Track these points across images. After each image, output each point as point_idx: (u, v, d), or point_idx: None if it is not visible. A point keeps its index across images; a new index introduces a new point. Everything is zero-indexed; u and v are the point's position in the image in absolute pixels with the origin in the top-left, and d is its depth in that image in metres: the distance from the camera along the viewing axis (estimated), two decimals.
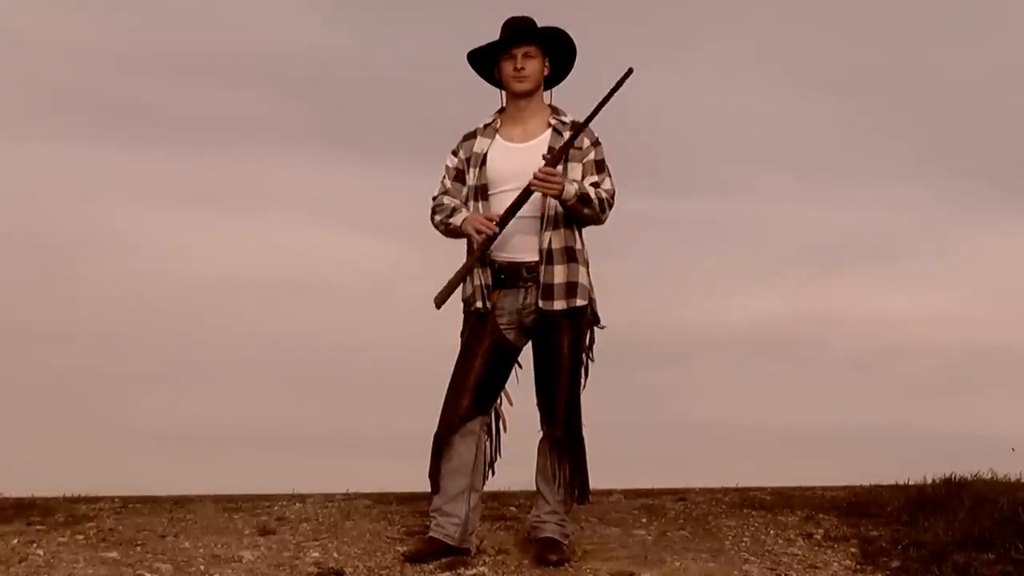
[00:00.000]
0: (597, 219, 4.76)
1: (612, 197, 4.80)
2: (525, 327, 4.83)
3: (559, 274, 4.74)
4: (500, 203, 4.80)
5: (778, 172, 9.35)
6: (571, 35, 4.88)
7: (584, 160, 4.80)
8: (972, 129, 9.20)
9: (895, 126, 9.29)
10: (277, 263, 9.04)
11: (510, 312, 4.82)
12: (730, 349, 8.98)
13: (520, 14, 4.85)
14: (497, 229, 4.69)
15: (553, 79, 4.94)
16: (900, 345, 9.26)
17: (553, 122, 4.83)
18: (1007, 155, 9.10)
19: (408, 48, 8.71)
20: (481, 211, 4.82)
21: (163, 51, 8.89)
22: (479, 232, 4.73)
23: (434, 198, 4.90)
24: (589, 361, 4.91)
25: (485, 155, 4.88)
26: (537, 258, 4.76)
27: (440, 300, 4.75)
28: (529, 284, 4.79)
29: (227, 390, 8.28)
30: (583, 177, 4.75)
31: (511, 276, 4.81)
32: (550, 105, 4.96)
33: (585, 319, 4.81)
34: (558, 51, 4.87)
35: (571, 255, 4.77)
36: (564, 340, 4.78)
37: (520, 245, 4.81)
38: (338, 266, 9.16)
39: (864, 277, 9.42)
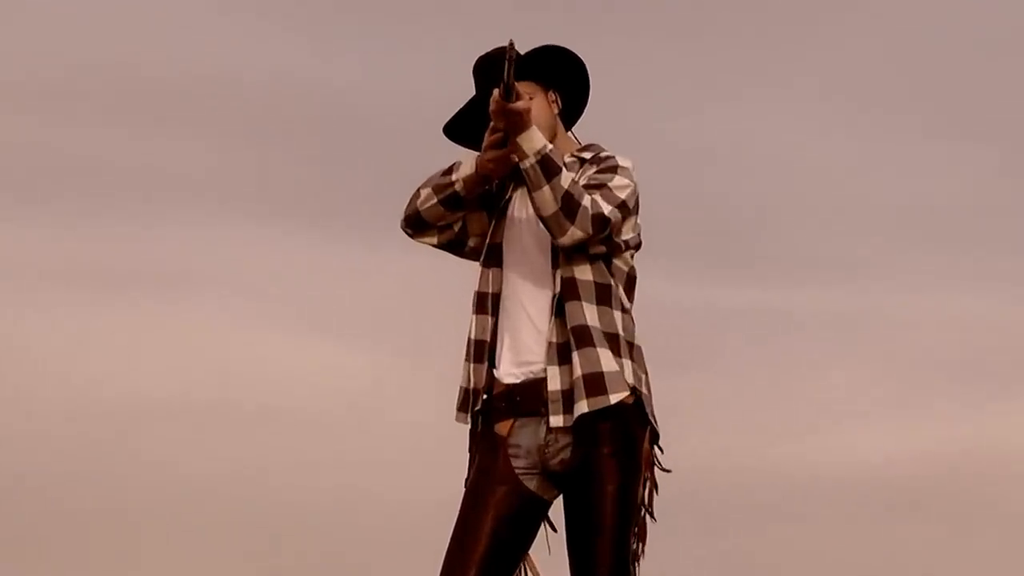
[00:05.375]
0: (559, 219, 4.14)
1: (596, 209, 4.22)
2: (552, 471, 4.14)
3: (575, 368, 4.17)
4: (516, 266, 4.35)
5: (926, 247, 8.62)
6: (579, 54, 4.34)
7: (585, 175, 4.34)
8: None
9: None
10: (218, 377, 8.36)
11: (529, 450, 4.15)
12: (857, 502, 8.06)
13: (497, 46, 4.27)
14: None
15: (571, 112, 4.46)
16: None
17: (569, 159, 4.32)
18: None
19: (406, 79, 8.28)
20: (491, 280, 4.32)
21: (61, 81, 8.23)
22: (491, 158, 4.24)
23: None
24: (647, 518, 4.23)
25: (507, 203, 4.35)
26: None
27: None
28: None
29: (140, 548, 7.65)
30: None
31: (528, 399, 4.17)
32: (587, 145, 4.44)
33: (639, 440, 4.17)
34: (561, 75, 4.38)
35: (587, 338, 4.15)
36: (607, 488, 4.09)
37: (536, 353, 4.20)
38: (301, 382, 8.41)
39: None
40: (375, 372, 8.30)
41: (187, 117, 8.37)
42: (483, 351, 4.22)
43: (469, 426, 4.26)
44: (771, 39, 8.46)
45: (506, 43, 4.01)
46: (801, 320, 8.25)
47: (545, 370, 4.15)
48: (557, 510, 4.26)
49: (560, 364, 4.11)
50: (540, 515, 4.18)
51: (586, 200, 4.08)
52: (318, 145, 8.38)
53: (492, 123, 4.14)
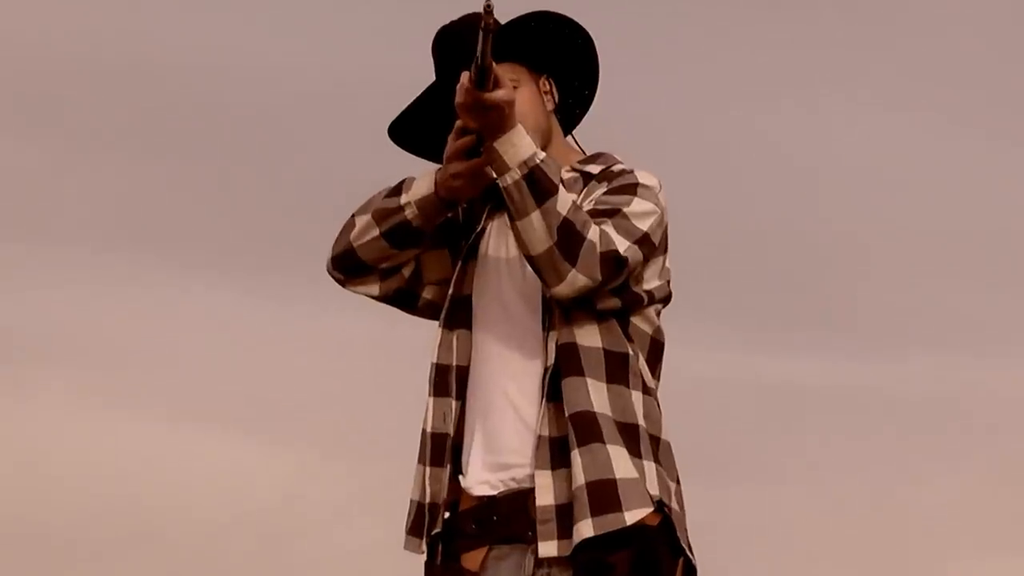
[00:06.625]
0: (554, 260, 4.10)
1: (607, 246, 4.18)
2: None
3: (576, 474, 4.14)
4: (491, 328, 4.34)
5: None
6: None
7: (591, 197, 4.36)
8: None
9: None
10: (73, 485, 8.35)
11: None
12: None
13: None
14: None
15: (572, 108, 4.52)
16: None
17: (569, 174, 4.34)
18: None
19: (338, 56, 8.37)
20: (456, 348, 4.32)
21: None
22: (457, 172, 4.20)
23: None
24: None
25: (479, 237, 4.35)
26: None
27: None
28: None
29: None
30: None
31: (509, 519, 4.16)
32: (594, 154, 4.46)
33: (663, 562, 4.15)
34: (558, 55, 4.41)
35: (593, 430, 4.12)
36: None
37: (520, 452, 4.18)
38: (197, 490, 8.45)
39: None
40: (299, 478, 8.39)
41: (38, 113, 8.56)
42: (444, 450, 4.16)
43: (425, 556, 4.17)
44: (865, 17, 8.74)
45: (481, 8, 3.94)
46: (904, 403, 8.35)
47: (533, 477, 4.08)
48: None
49: (554, 468, 4.06)
50: None
51: (593, 232, 4.03)
52: (217, 151, 8.51)
53: (459, 122, 4.10)
